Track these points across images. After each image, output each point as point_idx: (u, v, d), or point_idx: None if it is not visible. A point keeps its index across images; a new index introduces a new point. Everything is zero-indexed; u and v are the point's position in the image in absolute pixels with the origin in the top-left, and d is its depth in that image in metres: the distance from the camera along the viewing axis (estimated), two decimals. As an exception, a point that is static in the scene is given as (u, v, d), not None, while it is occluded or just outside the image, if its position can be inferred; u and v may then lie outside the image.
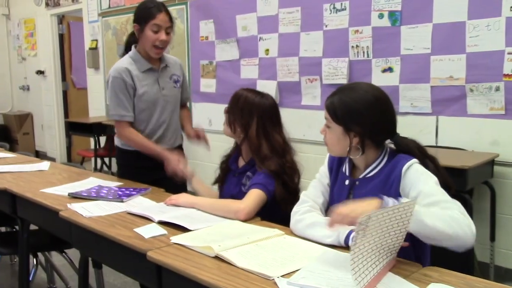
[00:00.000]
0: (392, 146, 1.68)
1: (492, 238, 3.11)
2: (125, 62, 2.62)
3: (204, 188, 2.39)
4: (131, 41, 2.69)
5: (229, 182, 2.25)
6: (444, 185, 1.58)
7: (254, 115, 2.10)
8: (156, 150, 2.57)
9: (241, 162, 2.22)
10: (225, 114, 2.20)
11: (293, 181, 2.08)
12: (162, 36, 2.53)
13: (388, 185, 1.60)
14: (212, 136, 4.64)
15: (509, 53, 2.96)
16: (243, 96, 2.14)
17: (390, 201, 1.38)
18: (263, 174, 2.03)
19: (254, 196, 1.97)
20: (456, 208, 1.45)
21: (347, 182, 1.73)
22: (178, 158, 2.51)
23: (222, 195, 2.26)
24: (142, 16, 2.55)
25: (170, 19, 2.59)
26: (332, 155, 1.80)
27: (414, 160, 1.59)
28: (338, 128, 1.64)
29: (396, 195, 1.56)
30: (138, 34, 2.58)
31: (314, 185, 1.83)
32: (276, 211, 1.93)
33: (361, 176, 1.69)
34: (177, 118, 2.78)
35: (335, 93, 1.69)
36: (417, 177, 1.55)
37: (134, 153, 2.62)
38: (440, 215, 1.40)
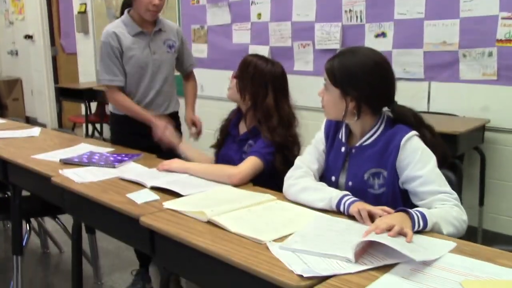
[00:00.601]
0: (390, 114, 1.68)
1: (481, 202, 3.16)
2: (114, 25, 2.61)
3: (194, 152, 2.40)
4: (126, 4, 2.68)
5: (228, 147, 2.24)
6: (442, 155, 1.59)
7: (267, 85, 2.07)
8: (144, 116, 2.56)
9: (243, 128, 2.21)
10: (232, 79, 2.16)
11: (293, 154, 2.08)
12: (155, 0, 2.50)
13: (386, 155, 1.60)
14: (205, 102, 4.66)
15: (502, 18, 2.94)
16: (252, 63, 2.10)
17: (415, 216, 1.38)
18: (266, 143, 2.03)
19: (251, 163, 1.98)
20: (453, 201, 1.49)
21: (343, 149, 1.73)
22: (165, 124, 2.50)
23: (219, 159, 2.26)
24: None
25: None
26: (329, 120, 1.79)
27: (413, 132, 1.59)
28: (336, 91, 1.63)
29: (393, 167, 1.58)
30: None
31: (309, 151, 1.83)
32: (272, 182, 1.93)
33: (357, 144, 1.68)
34: (171, 83, 2.74)
35: (336, 56, 1.68)
36: (416, 155, 1.55)
37: (128, 118, 2.61)
38: (450, 219, 1.44)
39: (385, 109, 1.67)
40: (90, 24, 6.10)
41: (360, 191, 1.62)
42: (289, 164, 1.94)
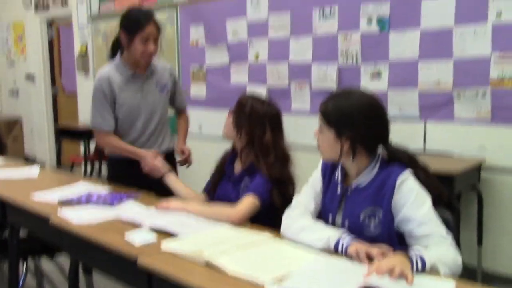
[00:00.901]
0: (384, 154, 1.70)
1: (480, 242, 3.15)
2: (107, 70, 2.62)
3: (182, 186, 2.41)
4: (117, 46, 2.67)
5: (223, 187, 2.25)
6: (437, 195, 1.61)
7: (264, 123, 2.11)
8: (132, 150, 2.60)
9: (238, 167, 2.22)
10: (228, 117, 2.19)
11: (289, 192, 2.09)
12: (151, 47, 2.52)
13: (381, 196, 1.61)
14: (202, 141, 4.69)
15: (495, 59, 3.00)
16: (249, 104, 2.14)
17: (414, 258, 1.40)
18: (263, 180, 2.04)
19: (248, 202, 1.98)
20: (448, 242, 1.50)
21: (339, 189, 1.75)
22: (153, 154, 2.53)
23: (216, 199, 2.26)
24: (131, 27, 2.52)
25: (158, 28, 2.57)
26: (325, 161, 1.82)
27: (408, 172, 1.61)
28: (331, 132, 1.66)
29: (388, 207, 1.59)
30: (125, 42, 2.55)
31: (306, 190, 1.84)
32: (269, 218, 1.94)
33: (353, 184, 1.70)
34: (165, 123, 2.77)
35: (330, 97, 1.71)
36: (411, 196, 1.56)
37: (125, 161, 2.62)
38: (446, 261, 1.45)
39: (380, 149, 1.70)
40: (91, 64, 6.19)
41: (356, 232, 1.62)
42: (286, 199, 1.95)
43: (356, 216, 1.65)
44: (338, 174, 1.77)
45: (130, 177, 2.59)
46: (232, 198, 2.11)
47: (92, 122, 2.66)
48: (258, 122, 2.11)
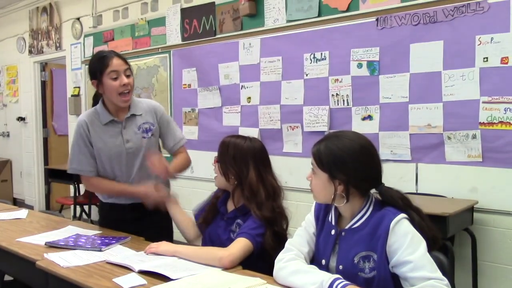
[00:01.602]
0: (377, 196, 1.69)
1: (475, 286, 3.11)
2: (87, 114, 2.55)
3: (181, 214, 2.41)
4: (96, 96, 2.60)
5: (216, 224, 2.23)
6: (431, 238, 1.59)
7: (248, 161, 2.10)
8: (127, 190, 2.50)
9: (231, 206, 2.21)
10: (215, 165, 2.19)
11: (282, 228, 2.08)
12: (123, 80, 2.42)
13: (375, 239, 1.59)
14: (194, 183, 4.67)
15: (483, 102, 3.05)
16: (231, 143, 2.14)
17: None
18: (255, 224, 2.01)
19: (240, 245, 1.95)
20: (443, 286, 1.47)
21: (333, 232, 1.73)
22: (153, 186, 2.44)
23: (206, 237, 2.23)
24: (97, 68, 2.44)
25: (125, 61, 2.49)
26: (318, 203, 1.80)
27: (402, 215, 1.59)
28: (324, 175, 1.66)
29: (383, 250, 1.56)
30: (99, 88, 2.47)
31: (300, 233, 1.82)
32: (261, 262, 1.90)
33: (346, 227, 1.68)
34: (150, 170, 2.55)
35: (322, 140, 1.71)
36: (406, 240, 1.54)
37: (115, 205, 2.58)
38: None
39: (373, 191, 1.69)
40: (83, 106, 6.21)
41: (351, 275, 1.59)
42: (279, 240, 1.93)
43: (350, 258, 1.63)
44: (332, 216, 1.75)
45: (120, 222, 2.54)
46: (222, 239, 2.09)
47: (69, 168, 2.57)
48: (242, 161, 2.10)
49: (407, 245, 1.53)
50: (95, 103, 2.61)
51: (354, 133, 1.75)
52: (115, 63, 2.42)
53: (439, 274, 1.51)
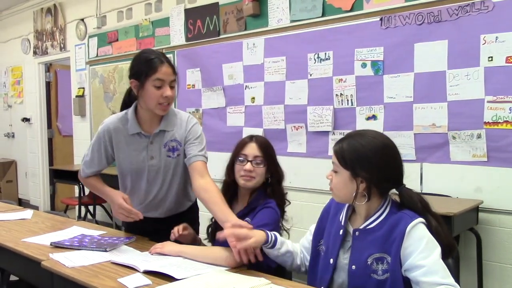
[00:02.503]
0: (395, 197, 1.68)
1: (480, 286, 3.09)
2: (115, 119, 2.37)
3: (201, 249, 2.27)
4: (127, 101, 2.41)
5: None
6: (447, 246, 1.58)
7: (273, 155, 2.23)
8: (104, 192, 2.37)
9: (238, 207, 2.21)
10: (254, 169, 2.15)
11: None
12: (167, 91, 2.20)
13: (390, 241, 1.58)
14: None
15: (488, 102, 3.04)
16: (269, 144, 2.25)
17: None
18: (266, 217, 2.05)
19: None
20: None
21: (341, 231, 1.72)
22: (122, 197, 2.26)
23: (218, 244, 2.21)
24: (142, 70, 2.20)
25: (174, 70, 2.27)
26: (337, 201, 1.78)
27: (419, 219, 1.58)
28: (346, 173, 1.65)
29: (397, 254, 1.55)
30: (137, 91, 2.24)
31: (310, 229, 1.93)
32: (268, 258, 1.90)
33: (361, 227, 1.67)
34: (176, 189, 2.40)
35: (344, 138, 1.71)
36: (421, 244, 1.53)
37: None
38: None
39: (393, 191, 1.68)
40: (88, 107, 6.23)
41: (364, 276, 1.59)
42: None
43: (363, 259, 1.62)
44: (343, 216, 1.74)
45: (145, 233, 2.40)
46: None
47: (82, 161, 2.46)
48: (275, 157, 2.24)
49: (421, 250, 1.52)
50: (128, 101, 2.41)
51: (377, 132, 1.73)
52: (164, 70, 2.20)
53: (451, 280, 1.49)
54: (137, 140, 2.33)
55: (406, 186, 1.68)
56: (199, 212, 2.58)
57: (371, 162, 1.61)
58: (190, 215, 2.51)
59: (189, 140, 2.31)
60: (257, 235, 1.82)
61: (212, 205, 2.10)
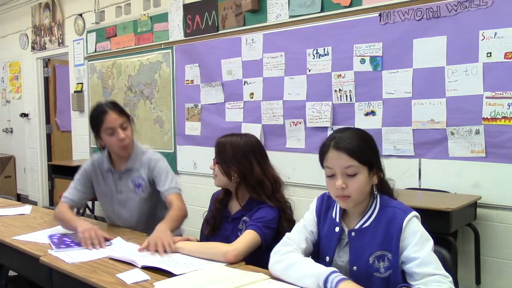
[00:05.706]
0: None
1: (478, 281, 3.11)
2: (97, 156, 2.66)
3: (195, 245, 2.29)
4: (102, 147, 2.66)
5: (224, 228, 2.23)
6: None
7: (249, 157, 2.12)
8: (72, 223, 2.37)
9: (235, 207, 2.21)
10: (214, 166, 2.18)
11: (291, 216, 2.13)
12: (120, 135, 2.43)
13: (389, 238, 1.59)
14: (196, 179, 4.68)
15: (487, 98, 3.04)
16: (227, 143, 2.15)
17: None
18: (265, 215, 2.03)
19: (247, 238, 1.95)
20: (448, 284, 1.49)
21: (337, 229, 1.71)
22: (90, 226, 2.25)
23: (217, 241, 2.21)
24: (94, 125, 2.49)
25: (121, 113, 2.47)
26: (319, 200, 1.78)
27: (413, 213, 1.60)
28: (364, 169, 1.62)
29: (397, 248, 1.57)
30: (100, 141, 2.53)
31: (299, 229, 1.79)
32: (267, 255, 1.90)
33: (356, 227, 1.67)
34: (146, 218, 2.58)
35: (340, 138, 1.63)
36: (415, 237, 1.56)
37: None
38: None
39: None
40: (86, 102, 6.22)
41: (366, 276, 1.59)
42: (291, 227, 1.91)
43: (365, 259, 1.62)
44: (336, 213, 1.74)
45: None
46: (232, 241, 2.08)
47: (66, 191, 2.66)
48: (243, 157, 2.12)
49: (415, 243, 1.55)
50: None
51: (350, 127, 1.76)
52: (109, 119, 2.42)
53: (444, 271, 1.52)
54: (110, 175, 2.60)
55: (391, 179, 1.73)
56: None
57: (374, 148, 1.65)
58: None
59: (155, 177, 2.52)
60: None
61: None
